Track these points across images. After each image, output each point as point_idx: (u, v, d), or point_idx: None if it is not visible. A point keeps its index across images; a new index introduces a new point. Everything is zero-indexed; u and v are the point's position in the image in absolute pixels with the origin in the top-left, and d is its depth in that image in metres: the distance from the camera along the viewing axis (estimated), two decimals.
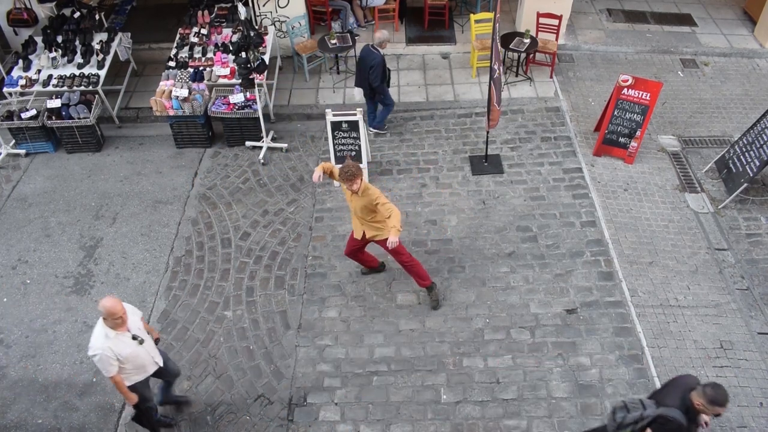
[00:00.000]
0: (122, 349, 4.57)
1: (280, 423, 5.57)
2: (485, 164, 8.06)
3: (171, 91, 8.15)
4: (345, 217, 7.44)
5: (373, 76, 7.77)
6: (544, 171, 7.95)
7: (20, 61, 8.76)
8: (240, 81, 7.58)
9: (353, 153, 7.59)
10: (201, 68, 8.68)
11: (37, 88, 8.46)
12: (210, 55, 8.92)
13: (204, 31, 9.22)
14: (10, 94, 8.48)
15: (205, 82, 8.50)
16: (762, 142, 7.13)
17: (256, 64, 7.44)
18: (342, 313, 6.45)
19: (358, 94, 8.30)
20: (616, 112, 7.72)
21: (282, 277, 6.82)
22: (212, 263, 6.99)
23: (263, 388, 5.84)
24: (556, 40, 9.37)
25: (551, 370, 5.86)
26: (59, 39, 8.99)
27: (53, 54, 8.73)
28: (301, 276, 6.82)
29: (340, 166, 5.57)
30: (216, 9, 9.67)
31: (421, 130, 8.71)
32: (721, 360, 5.93)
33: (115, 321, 4.47)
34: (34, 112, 8.17)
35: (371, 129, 8.57)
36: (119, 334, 4.55)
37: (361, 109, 7.43)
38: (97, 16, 9.62)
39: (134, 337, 4.64)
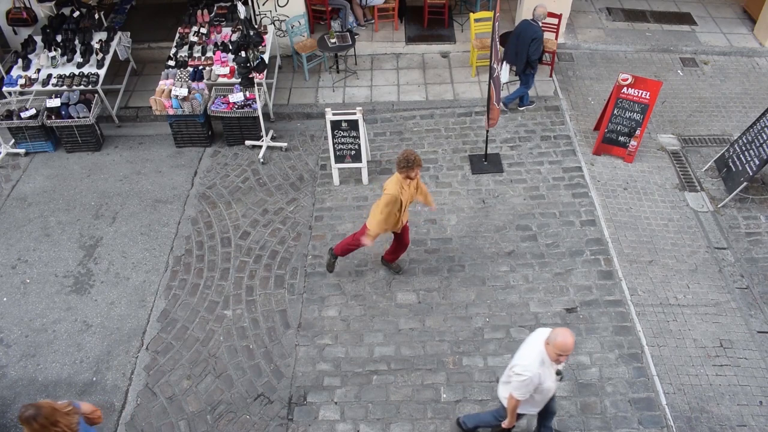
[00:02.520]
0: (546, 379, 4.34)
1: (280, 422, 5.58)
2: (485, 163, 8.06)
3: (170, 91, 8.15)
4: (344, 216, 7.44)
5: (534, 48, 7.90)
6: (544, 170, 7.95)
7: (19, 61, 8.75)
8: (239, 80, 7.57)
9: (353, 152, 7.59)
10: (200, 67, 8.68)
11: (37, 87, 8.45)
12: (209, 54, 8.92)
13: (203, 30, 9.21)
14: (10, 93, 8.47)
15: (204, 81, 8.50)
16: (761, 141, 7.12)
17: (255, 63, 7.43)
18: (342, 312, 6.45)
19: (506, 71, 8.44)
20: (615, 111, 7.72)
21: (282, 276, 6.82)
22: (212, 262, 6.99)
23: (263, 387, 5.84)
24: (556, 38, 9.36)
25: None
26: (58, 38, 8.97)
27: (53, 53, 8.72)
28: (300, 275, 6.82)
29: (399, 158, 5.54)
30: (215, 8, 9.65)
31: (421, 129, 8.71)
32: (721, 359, 5.93)
33: (559, 357, 4.16)
34: (33, 111, 8.16)
35: (506, 107, 8.81)
36: (551, 365, 4.32)
37: (360, 108, 7.42)
38: (96, 15, 9.61)
39: (558, 372, 4.39)
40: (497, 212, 7.41)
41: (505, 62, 8.29)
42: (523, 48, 7.97)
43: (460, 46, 10.13)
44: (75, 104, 8.19)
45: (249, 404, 5.71)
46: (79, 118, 8.14)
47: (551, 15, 9.17)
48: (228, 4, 9.73)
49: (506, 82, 8.67)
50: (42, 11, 9.44)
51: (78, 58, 8.79)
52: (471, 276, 6.72)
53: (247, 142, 8.49)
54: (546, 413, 5.00)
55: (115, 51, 9.04)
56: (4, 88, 8.49)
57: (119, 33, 9.24)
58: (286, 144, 8.47)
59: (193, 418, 5.64)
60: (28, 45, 8.94)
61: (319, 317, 6.40)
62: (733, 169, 7.47)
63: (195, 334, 6.29)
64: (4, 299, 6.71)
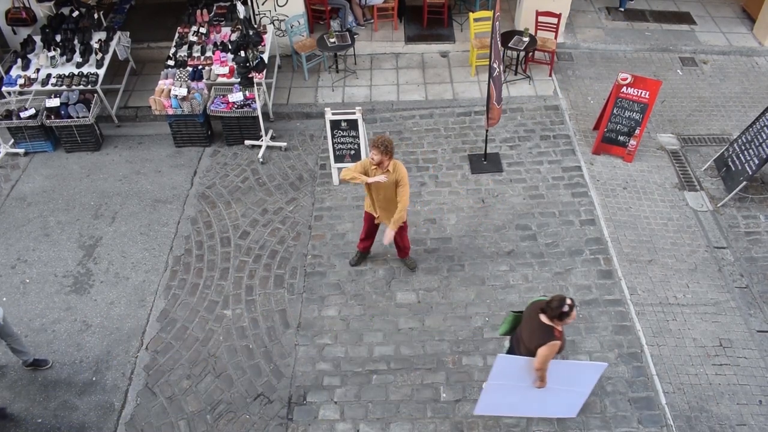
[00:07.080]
0: None
1: (279, 422, 5.58)
2: (484, 163, 8.06)
3: (170, 90, 8.14)
4: (344, 216, 7.44)
5: None
6: (544, 169, 7.95)
7: (19, 60, 8.75)
8: (239, 80, 7.57)
9: (352, 152, 7.59)
10: (200, 67, 8.68)
11: (36, 87, 8.45)
12: (209, 53, 8.92)
13: (203, 30, 9.21)
14: (9, 93, 8.47)
15: (204, 81, 8.49)
16: (761, 140, 7.13)
17: (255, 63, 7.43)
18: (341, 311, 6.46)
19: None
20: (615, 111, 7.72)
21: (281, 275, 6.82)
22: (211, 262, 6.99)
23: (263, 387, 5.84)
24: (555, 38, 9.36)
25: None
26: (58, 38, 8.97)
27: (52, 53, 8.71)
28: (300, 275, 6.82)
29: (374, 139, 5.62)
30: (215, 8, 9.65)
31: (420, 128, 8.71)
32: (720, 358, 5.93)
33: None
34: (32, 111, 8.16)
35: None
36: None
37: (360, 107, 7.42)
38: (95, 15, 9.61)
39: None
40: (497, 212, 7.42)
41: None
42: None
43: (459, 45, 10.13)
44: (74, 104, 8.18)
45: (249, 404, 5.71)
46: (78, 117, 8.13)
47: (551, 14, 9.18)
48: (227, 3, 9.72)
49: None
50: (41, 11, 9.44)
51: (77, 57, 8.78)
52: (470, 275, 6.72)
53: (247, 142, 8.49)
54: None
55: (115, 51, 9.04)
56: (4, 88, 8.49)
57: (119, 33, 9.24)
58: (285, 144, 8.47)
59: (192, 417, 5.64)
60: (28, 45, 8.93)
61: (318, 317, 6.40)
62: (733, 169, 7.48)
63: (195, 334, 6.30)
64: (4, 299, 6.71)
